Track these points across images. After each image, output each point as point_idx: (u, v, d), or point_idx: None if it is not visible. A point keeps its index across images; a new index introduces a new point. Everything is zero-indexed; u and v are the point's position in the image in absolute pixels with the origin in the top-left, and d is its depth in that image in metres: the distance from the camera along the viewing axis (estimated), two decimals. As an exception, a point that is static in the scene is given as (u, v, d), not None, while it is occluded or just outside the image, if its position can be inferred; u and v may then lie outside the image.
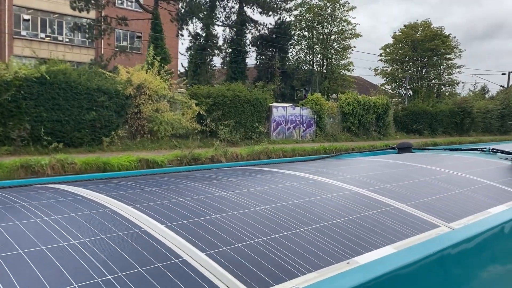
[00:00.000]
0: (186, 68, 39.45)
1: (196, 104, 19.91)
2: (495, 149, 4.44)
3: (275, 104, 25.15)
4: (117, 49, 34.28)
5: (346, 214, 1.81)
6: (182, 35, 37.87)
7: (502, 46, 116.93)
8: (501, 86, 47.01)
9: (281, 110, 24.76)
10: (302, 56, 45.02)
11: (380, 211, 1.93)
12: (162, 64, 18.80)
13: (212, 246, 1.33)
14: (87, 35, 34.45)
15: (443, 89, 52.83)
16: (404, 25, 49.24)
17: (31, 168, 12.66)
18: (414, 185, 2.48)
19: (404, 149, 4.90)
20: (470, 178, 2.89)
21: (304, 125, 26.08)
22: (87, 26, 33.83)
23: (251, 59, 41.51)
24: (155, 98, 18.62)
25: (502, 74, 46.43)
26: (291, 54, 43.29)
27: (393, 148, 4.99)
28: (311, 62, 44.93)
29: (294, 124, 25.49)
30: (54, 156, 13.27)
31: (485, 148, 4.56)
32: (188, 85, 23.09)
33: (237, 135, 21.40)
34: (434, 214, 2.01)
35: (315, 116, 26.41)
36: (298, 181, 2.28)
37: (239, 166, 3.01)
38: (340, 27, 44.20)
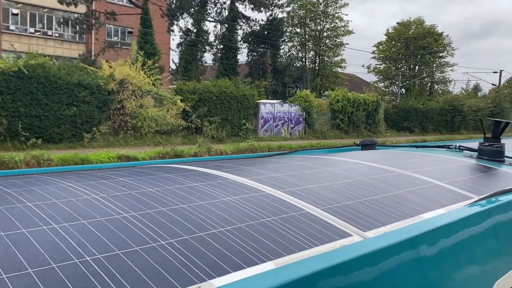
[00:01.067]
0: (177, 64, 39.07)
1: (182, 100, 19.57)
2: (462, 147, 4.19)
3: (262, 100, 24.87)
4: (106, 44, 33.83)
5: (235, 221, 1.52)
6: (172, 30, 37.43)
7: (498, 45, 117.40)
8: (493, 84, 47.02)
9: (269, 107, 24.47)
10: (294, 53, 44.79)
11: (283, 216, 1.64)
12: (146, 59, 18.39)
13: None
14: (75, 30, 33.93)
15: (436, 87, 52.79)
16: (397, 23, 49.13)
17: (4, 164, 12.29)
18: (346, 185, 2.20)
19: (367, 146, 4.64)
20: (418, 177, 2.62)
21: (293, 122, 25.82)
22: (75, 20, 33.30)
23: (243, 56, 41.16)
24: (139, 94, 18.27)
25: (494, 72, 46.44)
26: (283, 51, 43.03)
27: (358, 145, 4.73)
28: (303, 59, 44.68)
29: (282, 121, 25.22)
30: (29, 152, 12.91)
31: (452, 145, 4.31)
32: (177, 80, 22.78)
33: (223, 132, 21.10)
34: (352, 220, 1.72)
35: (304, 113, 26.15)
36: (205, 180, 1.99)
37: (164, 164, 2.72)
38: (332, 24, 43.98)
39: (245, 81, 26.84)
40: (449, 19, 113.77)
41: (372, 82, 50.36)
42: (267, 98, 29.23)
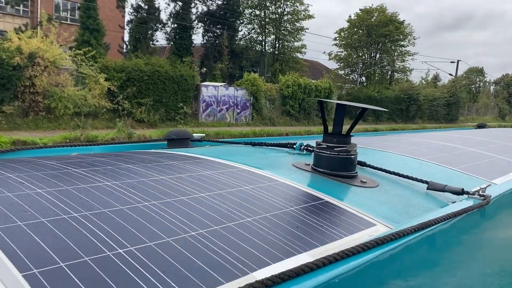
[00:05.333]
0: (127, 43, 36.65)
1: (106, 79, 17.51)
2: (310, 147, 2.63)
3: (205, 83, 23.09)
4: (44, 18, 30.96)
5: None
6: (122, 6, 34.92)
7: (467, 37, 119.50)
8: (450, 74, 46.96)
9: (211, 90, 22.72)
10: (254, 36, 43.15)
11: None
12: (62, 32, 16.19)
13: None
14: (7, 1, 30.86)
15: (396, 75, 52.37)
16: (360, 9, 48.09)
17: None
18: None
19: (176, 141, 3.06)
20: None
21: (239, 107, 24.20)
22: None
23: (199, 37, 39.19)
24: (54, 70, 16.09)
25: (451, 62, 46.29)
26: (242, 33, 41.30)
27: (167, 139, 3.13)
28: (263, 43, 43.07)
29: (227, 106, 23.55)
30: None
31: (296, 143, 2.77)
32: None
33: (156, 116, 19.21)
34: None
35: (251, 98, 24.58)
36: None
37: None
38: (293, 7, 42.45)
39: (185, 60, 24.84)
40: (423, 9, 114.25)
41: (333, 69, 49.33)
42: (223, 81, 27.50)
